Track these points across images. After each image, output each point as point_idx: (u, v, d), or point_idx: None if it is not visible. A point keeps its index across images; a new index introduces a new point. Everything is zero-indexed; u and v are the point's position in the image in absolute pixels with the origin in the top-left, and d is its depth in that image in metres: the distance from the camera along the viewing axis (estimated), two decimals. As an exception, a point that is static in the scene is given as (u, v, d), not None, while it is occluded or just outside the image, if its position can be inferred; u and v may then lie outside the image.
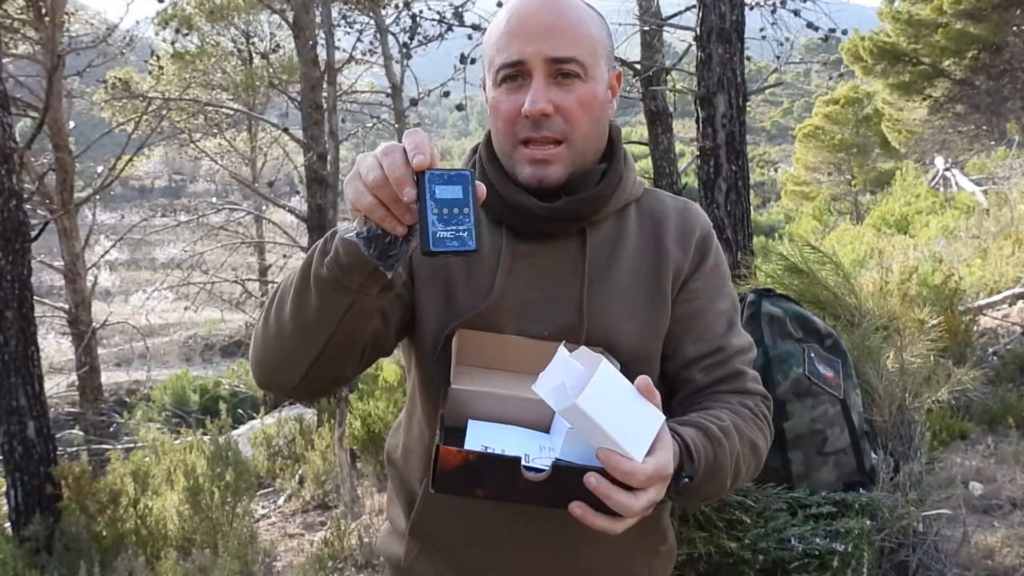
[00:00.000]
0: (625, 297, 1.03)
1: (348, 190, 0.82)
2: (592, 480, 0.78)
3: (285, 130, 9.00)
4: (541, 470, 0.80)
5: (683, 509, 1.90)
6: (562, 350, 0.85)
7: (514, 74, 0.99)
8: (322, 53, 7.37)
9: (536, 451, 0.87)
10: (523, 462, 0.80)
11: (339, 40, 8.88)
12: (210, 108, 11.70)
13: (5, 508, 3.52)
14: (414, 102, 8.70)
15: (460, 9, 7.46)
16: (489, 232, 1.04)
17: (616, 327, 1.02)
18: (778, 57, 7.09)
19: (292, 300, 0.92)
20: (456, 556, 1.06)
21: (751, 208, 4.10)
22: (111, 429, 7.77)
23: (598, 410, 0.78)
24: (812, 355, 1.93)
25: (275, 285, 1.04)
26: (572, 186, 1.03)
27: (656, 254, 1.06)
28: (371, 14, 9.54)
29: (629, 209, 1.09)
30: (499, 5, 7.48)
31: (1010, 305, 6.34)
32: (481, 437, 0.89)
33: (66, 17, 8.35)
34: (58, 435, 4.51)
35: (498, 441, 0.88)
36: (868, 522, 1.83)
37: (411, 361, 1.10)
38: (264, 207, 12.68)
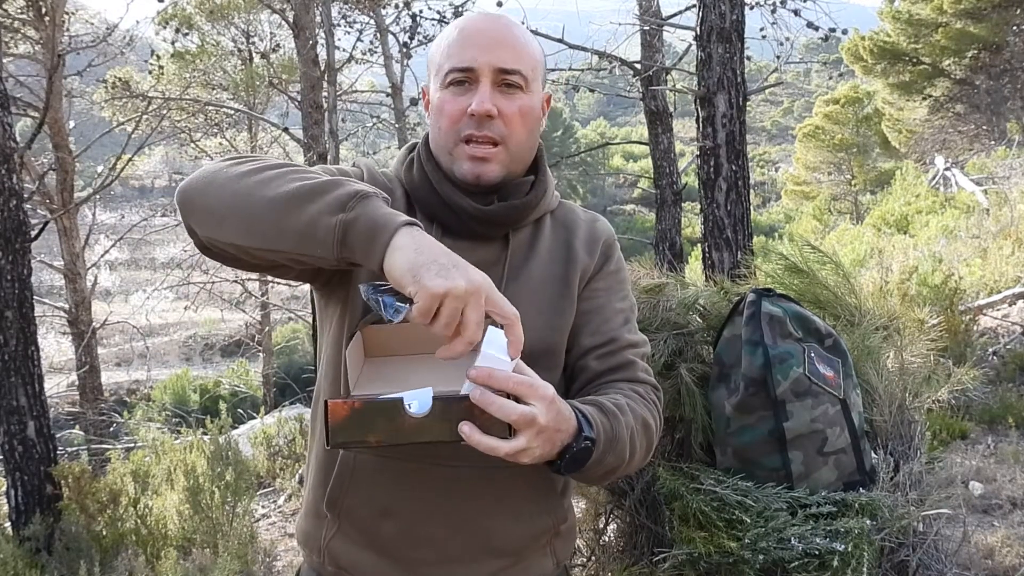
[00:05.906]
0: (535, 294, 1.14)
1: (460, 282, 0.85)
2: (476, 392, 0.85)
3: (285, 130, 8.98)
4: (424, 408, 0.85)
5: (682, 508, 1.90)
6: None
7: (463, 79, 1.09)
8: (322, 53, 7.36)
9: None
10: (405, 401, 0.84)
11: (339, 40, 8.89)
12: (210, 108, 11.69)
13: (5, 508, 3.52)
14: (414, 102, 8.70)
15: (460, 9, 7.47)
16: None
17: (525, 320, 1.11)
18: (778, 57, 7.08)
19: (277, 204, 0.93)
20: (370, 530, 1.11)
21: (751, 208, 4.09)
22: (111, 429, 7.76)
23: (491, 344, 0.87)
24: (812, 355, 1.92)
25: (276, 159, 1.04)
26: (504, 193, 1.14)
27: (567, 257, 1.19)
28: (371, 14, 9.56)
29: (545, 218, 1.22)
30: (499, 4, 7.49)
31: (1010, 305, 6.35)
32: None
33: (66, 17, 8.34)
34: (58, 435, 4.51)
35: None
36: (868, 522, 1.83)
37: (341, 330, 1.13)
38: (264, 207, 12.64)
